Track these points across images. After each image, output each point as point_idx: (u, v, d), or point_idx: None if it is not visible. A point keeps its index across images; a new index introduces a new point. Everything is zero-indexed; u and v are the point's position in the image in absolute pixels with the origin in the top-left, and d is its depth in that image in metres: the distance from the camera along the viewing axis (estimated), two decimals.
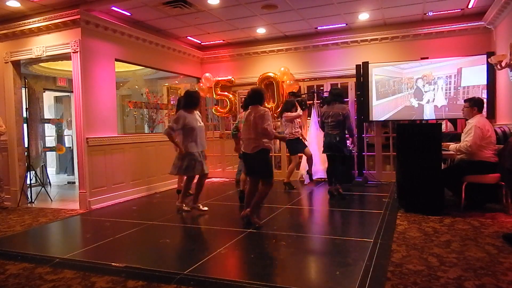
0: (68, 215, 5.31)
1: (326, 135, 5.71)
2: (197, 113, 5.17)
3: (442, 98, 6.56)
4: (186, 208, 5.19)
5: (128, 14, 6.19)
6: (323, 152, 5.86)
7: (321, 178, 7.16)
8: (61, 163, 9.62)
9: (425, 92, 6.65)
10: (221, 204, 5.88)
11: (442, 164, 5.04)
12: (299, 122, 6.64)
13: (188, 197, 5.34)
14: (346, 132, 5.68)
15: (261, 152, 4.22)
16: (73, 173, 8.88)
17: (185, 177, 5.30)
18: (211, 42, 8.14)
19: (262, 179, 4.34)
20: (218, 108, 8.24)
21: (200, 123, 5.10)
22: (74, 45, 5.58)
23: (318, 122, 6.47)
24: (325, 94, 7.20)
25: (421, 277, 2.75)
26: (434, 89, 6.60)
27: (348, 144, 5.84)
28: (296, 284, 2.77)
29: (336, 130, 5.55)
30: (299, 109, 6.62)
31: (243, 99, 6.36)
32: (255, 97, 4.34)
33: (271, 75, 7.60)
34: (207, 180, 5.42)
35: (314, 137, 7.03)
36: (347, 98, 7.45)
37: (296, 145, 6.51)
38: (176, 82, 9.40)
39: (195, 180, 5.20)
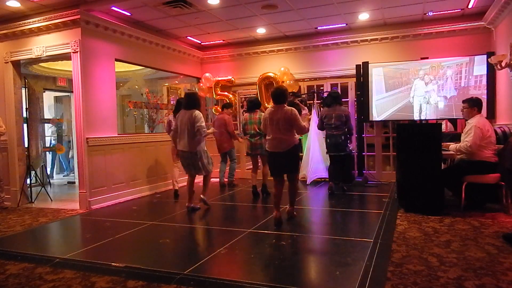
0: (68, 215, 5.31)
1: (330, 136, 5.90)
2: (192, 112, 5.03)
3: (442, 98, 6.56)
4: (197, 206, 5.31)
5: (128, 14, 6.19)
6: (328, 152, 6.04)
7: (321, 178, 7.16)
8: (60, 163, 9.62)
9: (425, 91, 6.65)
10: (221, 204, 5.88)
11: (442, 164, 5.04)
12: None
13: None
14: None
15: (293, 149, 4.38)
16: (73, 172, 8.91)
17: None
18: (211, 42, 8.15)
19: (290, 174, 4.50)
20: (218, 108, 8.24)
21: (185, 123, 5.01)
22: (74, 45, 5.58)
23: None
24: (325, 94, 7.21)
25: (421, 277, 2.75)
26: (434, 89, 6.60)
27: (348, 144, 6.00)
28: (296, 284, 2.77)
29: (340, 130, 5.80)
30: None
31: (245, 100, 6.47)
32: (282, 96, 4.40)
33: (271, 75, 7.60)
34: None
35: (314, 137, 7.03)
36: (347, 98, 7.48)
37: None
38: (176, 82, 9.40)
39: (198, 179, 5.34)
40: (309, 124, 6.19)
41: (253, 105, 6.15)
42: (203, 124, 4.98)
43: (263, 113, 5.32)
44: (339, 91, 7.40)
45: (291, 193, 4.58)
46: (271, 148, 4.42)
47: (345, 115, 5.84)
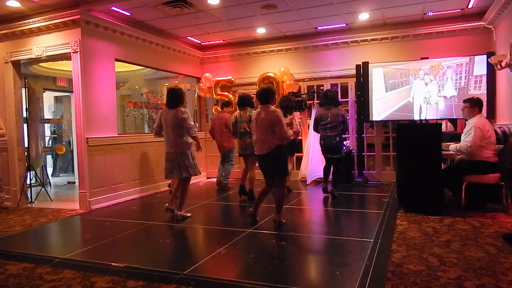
0: (68, 215, 5.31)
1: (325, 137, 5.73)
2: (178, 110, 4.65)
3: (442, 98, 6.56)
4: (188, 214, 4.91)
5: (128, 14, 6.19)
6: (323, 153, 5.93)
7: (321, 178, 7.14)
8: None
9: (425, 91, 6.65)
10: (221, 204, 5.89)
11: (442, 164, 5.04)
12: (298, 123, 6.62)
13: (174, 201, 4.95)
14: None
15: (276, 149, 4.13)
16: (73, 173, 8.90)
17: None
18: (211, 42, 8.15)
19: (275, 178, 4.24)
20: (218, 108, 8.23)
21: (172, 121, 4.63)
22: (74, 45, 5.58)
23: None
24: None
25: (421, 277, 2.75)
26: (434, 89, 6.60)
27: (346, 144, 5.93)
28: (296, 284, 2.78)
29: (335, 131, 5.67)
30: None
31: (238, 97, 6.35)
32: (265, 96, 4.19)
33: (271, 75, 7.60)
34: (208, 180, 5.38)
35: (314, 136, 7.01)
36: (347, 98, 7.49)
37: (292, 146, 6.49)
38: (176, 82, 9.38)
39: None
40: (297, 135, 5.92)
41: (244, 101, 5.69)
42: (192, 123, 4.65)
43: (254, 111, 5.09)
44: (339, 91, 7.42)
45: (275, 199, 4.30)
46: (256, 150, 4.28)
47: (342, 115, 5.69)
